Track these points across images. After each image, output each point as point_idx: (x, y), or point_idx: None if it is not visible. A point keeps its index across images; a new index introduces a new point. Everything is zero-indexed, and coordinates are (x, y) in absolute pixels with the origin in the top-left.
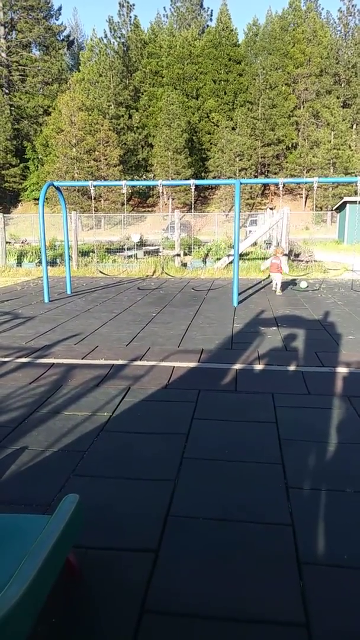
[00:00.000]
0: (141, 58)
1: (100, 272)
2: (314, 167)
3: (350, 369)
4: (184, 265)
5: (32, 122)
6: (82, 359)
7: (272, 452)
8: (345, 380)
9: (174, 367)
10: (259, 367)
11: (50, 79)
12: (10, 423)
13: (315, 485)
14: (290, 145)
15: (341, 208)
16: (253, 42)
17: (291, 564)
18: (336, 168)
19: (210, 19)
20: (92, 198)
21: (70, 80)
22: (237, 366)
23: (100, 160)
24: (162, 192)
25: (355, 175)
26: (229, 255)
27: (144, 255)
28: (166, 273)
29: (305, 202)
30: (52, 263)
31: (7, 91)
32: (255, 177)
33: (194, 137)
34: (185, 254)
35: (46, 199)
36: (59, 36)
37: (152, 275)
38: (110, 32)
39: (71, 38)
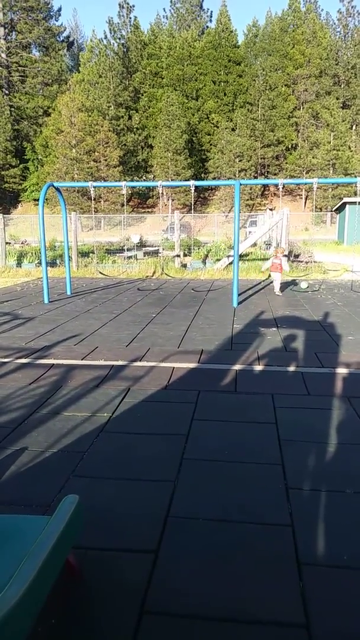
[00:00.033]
0: (141, 59)
1: (100, 272)
2: (314, 168)
3: (350, 370)
4: (184, 266)
5: (31, 122)
6: (82, 359)
7: (272, 453)
8: (345, 381)
9: (173, 367)
10: (258, 367)
11: (50, 80)
12: (10, 424)
13: (315, 486)
14: (290, 146)
15: (341, 209)
16: (253, 43)
17: (291, 564)
18: (336, 169)
19: (210, 20)
20: (92, 199)
21: (70, 81)
22: (237, 367)
23: (100, 161)
24: (162, 193)
25: (355, 176)
26: (228, 256)
27: (144, 256)
28: (166, 274)
29: (305, 203)
30: (52, 264)
31: (7, 92)
32: (255, 178)
33: (193, 138)
34: (185, 255)
35: (46, 199)
36: (59, 37)
37: (152, 276)
38: (110, 33)
39: (71, 39)
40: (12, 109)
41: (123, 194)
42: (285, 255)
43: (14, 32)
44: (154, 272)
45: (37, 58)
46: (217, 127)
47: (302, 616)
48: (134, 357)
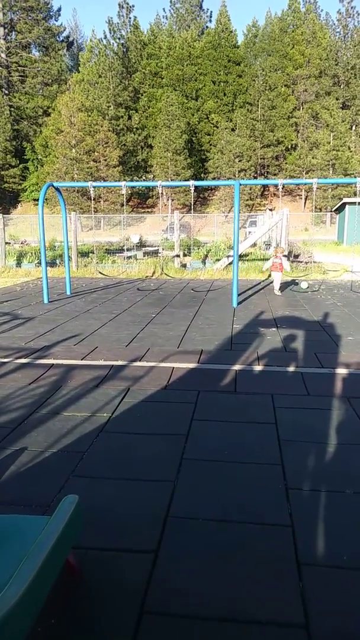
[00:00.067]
0: (141, 59)
1: (100, 272)
2: (314, 168)
3: (350, 370)
4: (184, 266)
5: (31, 122)
6: (82, 359)
7: (272, 453)
8: (345, 381)
9: (173, 367)
10: (258, 368)
11: (50, 80)
12: (10, 424)
13: (315, 486)
14: (289, 147)
15: (340, 209)
16: (252, 44)
17: (291, 564)
18: (335, 169)
19: (210, 20)
20: (92, 199)
21: (70, 81)
22: (237, 367)
23: (99, 161)
24: (162, 193)
25: (355, 177)
26: (228, 256)
27: (144, 256)
28: (165, 274)
29: (305, 203)
30: (52, 264)
31: (6, 92)
32: (255, 178)
33: (193, 138)
34: (184, 255)
35: (46, 199)
36: (59, 37)
37: (152, 276)
38: (110, 33)
39: (71, 39)
40: (12, 109)
41: (123, 194)
42: (285, 256)
43: (13, 32)
44: (154, 272)
45: (36, 58)
46: (217, 127)
47: (302, 616)
48: (134, 357)
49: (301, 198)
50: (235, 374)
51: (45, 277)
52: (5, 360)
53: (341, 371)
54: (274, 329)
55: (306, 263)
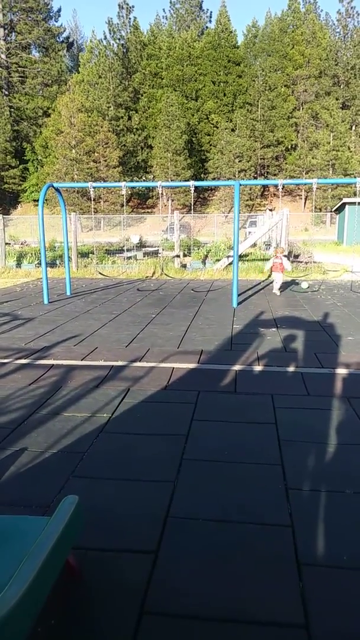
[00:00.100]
0: (140, 59)
1: (100, 273)
2: (313, 168)
3: (350, 370)
4: (184, 266)
5: (31, 123)
6: (82, 360)
7: (272, 453)
8: (345, 381)
9: (173, 368)
10: (258, 368)
11: (50, 81)
12: (10, 424)
13: (315, 486)
14: (289, 147)
15: (340, 209)
16: (252, 44)
17: (291, 565)
18: (335, 169)
19: (210, 21)
20: (92, 199)
21: (70, 81)
22: (237, 367)
23: (99, 162)
24: (162, 194)
25: (355, 177)
26: (228, 257)
27: (144, 256)
28: (165, 274)
29: (305, 203)
30: (52, 264)
31: (6, 92)
32: (255, 178)
33: (193, 139)
34: (184, 255)
35: (46, 200)
36: (59, 38)
37: (152, 276)
38: (110, 33)
39: (71, 40)
40: (12, 109)
41: (123, 195)
42: (285, 256)
43: (13, 33)
44: (154, 273)
45: (36, 59)
46: (217, 127)
47: (302, 616)
48: (134, 357)
49: (301, 198)
50: (235, 374)
51: (45, 278)
52: (5, 360)
53: (341, 371)
54: (274, 329)
55: (306, 263)
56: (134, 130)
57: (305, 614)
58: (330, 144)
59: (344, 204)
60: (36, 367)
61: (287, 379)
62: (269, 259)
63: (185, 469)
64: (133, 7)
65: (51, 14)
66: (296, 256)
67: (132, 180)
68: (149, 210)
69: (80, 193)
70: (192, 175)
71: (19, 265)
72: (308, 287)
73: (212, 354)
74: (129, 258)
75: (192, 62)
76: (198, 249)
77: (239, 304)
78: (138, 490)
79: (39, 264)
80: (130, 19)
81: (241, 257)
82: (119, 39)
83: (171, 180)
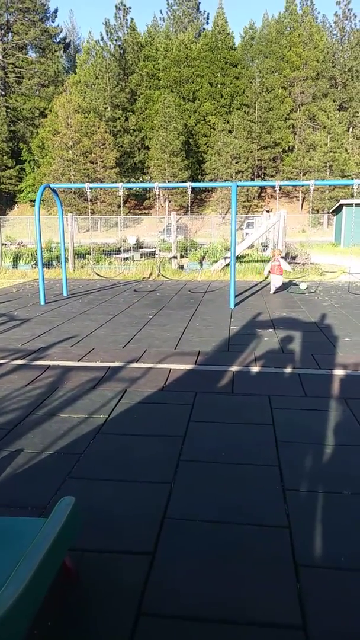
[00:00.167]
0: (137, 61)
1: (97, 274)
2: (311, 170)
3: (347, 371)
4: (181, 267)
5: (28, 124)
6: (78, 361)
7: (269, 454)
8: (342, 382)
9: (170, 369)
10: (255, 369)
11: (47, 81)
12: (6, 425)
13: (312, 487)
14: (286, 148)
15: (337, 211)
16: (249, 46)
17: (288, 566)
18: (332, 171)
19: (207, 22)
20: (89, 200)
21: (67, 82)
22: (234, 368)
23: (96, 163)
24: (159, 195)
25: (352, 178)
26: (225, 258)
27: (141, 257)
28: (163, 275)
29: (302, 204)
30: (48, 265)
31: (3, 93)
32: (252, 179)
33: (190, 140)
34: (181, 256)
35: (42, 201)
36: (55, 38)
37: (149, 277)
38: (107, 34)
39: (67, 40)
40: (9, 110)
41: (120, 196)
42: (283, 257)
43: (10, 33)
44: (151, 274)
45: (33, 59)
46: (214, 128)
47: (299, 617)
48: (131, 358)
49: (298, 200)
50: (232, 375)
51: (42, 279)
52: (2, 361)
53: (338, 372)
54: (271, 330)
55: (303, 264)
56: (131, 131)
57: (303, 615)
58: (327, 146)
59: (341, 206)
60: (33, 368)
61: (285, 380)
62: (268, 260)
63: (182, 470)
64: (130, 8)
65: (48, 15)
66: (293, 257)
67: (129, 181)
68: (146, 212)
69: (77, 194)
70: (189, 177)
71: (15, 265)
72: (307, 287)
73: (209, 355)
74: (126, 259)
75: (189, 63)
76: (195, 250)
77: (236, 305)
78: (135, 491)
79: (36, 264)
80: (127, 20)
81: (238, 259)
82: (116, 40)
83: (168, 182)
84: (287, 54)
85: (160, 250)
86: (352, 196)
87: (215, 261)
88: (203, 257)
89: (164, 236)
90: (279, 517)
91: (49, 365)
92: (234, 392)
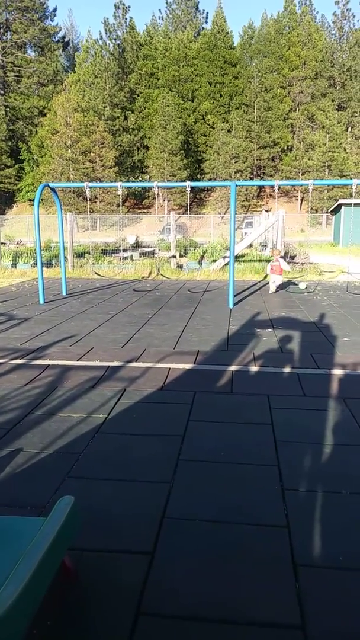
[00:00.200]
0: (137, 60)
1: (96, 273)
2: (309, 169)
3: (346, 371)
4: (180, 267)
5: (27, 123)
6: (78, 360)
7: (268, 454)
8: (341, 382)
9: (169, 368)
10: (254, 368)
11: (46, 80)
12: (5, 425)
13: (311, 486)
14: (285, 148)
15: (336, 210)
16: (248, 45)
17: (287, 565)
18: (331, 171)
19: (206, 22)
20: (88, 199)
21: (66, 81)
22: (233, 368)
23: (95, 162)
24: (158, 194)
25: (350, 178)
26: (224, 257)
27: (140, 256)
28: (162, 275)
29: (301, 204)
30: (48, 264)
31: (2, 92)
32: (251, 179)
33: (189, 139)
34: (181, 256)
35: (41, 200)
36: (54, 37)
37: (148, 277)
38: (106, 33)
39: (66, 39)
40: (8, 109)
41: (119, 195)
42: (282, 257)
43: (9, 32)
44: (150, 273)
45: (32, 58)
46: (213, 128)
47: (298, 617)
48: (130, 357)
49: (297, 199)
50: (231, 374)
51: (41, 278)
52: (1, 361)
53: (337, 372)
54: (270, 329)
55: (302, 264)
56: (130, 130)
57: (302, 615)
58: (326, 145)
59: (339, 205)
60: (32, 368)
61: (283, 380)
62: (268, 260)
63: (181, 469)
64: (129, 7)
65: (47, 14)
66: (292, 257)
67: (128, 181)
68: (145, 211)
69: (76, 193)
70: (188, 176)
71: (14, 265)
72: (306, 287)
73: (208, 354)
74: (125, 258)
75: (188, 62)
76: (194, 250)
77: (235, 304)
78: (134, 490)
79: (35, 263)
80: (126, 19)
81: (237, 258)
82: (115, 39)
83: (167, 181)
84: (286, 54)
85: (159, 250)
86: (351, 196)
87: (214, 260)
88: (202, 257)
89: (163, 235)
90: (278, 516)
91: (48, 365)
92: (233, 392)
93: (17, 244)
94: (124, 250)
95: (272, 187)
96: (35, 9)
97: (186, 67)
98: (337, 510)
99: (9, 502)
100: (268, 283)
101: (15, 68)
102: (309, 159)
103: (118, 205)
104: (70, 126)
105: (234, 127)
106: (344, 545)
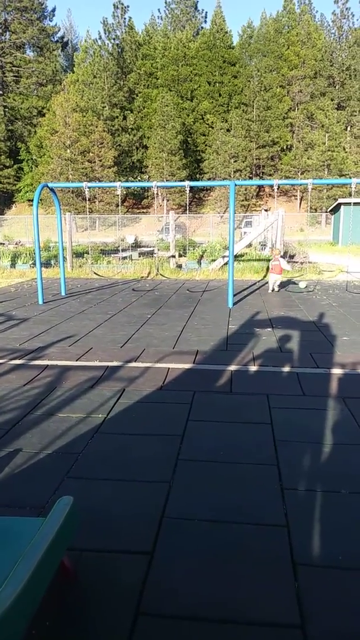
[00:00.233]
0: (135, 59)
1: (95, 273)
2: (309, 168)
3: (345, 370)
4: (179, 266)
5: (26, 123)
6: (77, 360)
7: (267, 454)
8: (340, 381)
9: (169, 368)
10: (253, 368)
11: (45, 80)
12: (4, 425)
13: (310, 486)
14: (284, 147)
15: (335, 210)
16: (247, 44)
17: (286, 565)
18: (330, 170)
19: (205, 21)
20: (87, 199)
21: (65, 81)
22: (232, 367)
23: (94, 162)
24: (157, 194)
25: (350, 177)
26: (224, 257)
27: (139, 256)
28: (161, 274)
29: (300, 203)
30: (47, 264)
31: (1, 92)
32: (250, 178)
33: (188, 139)
34: (180, 256)
35: (40, 200)
36: (53, 37)
37: (147, 276)
38: (105, 33)
39: (65, 39)
40: (6, 109)
41: (118, 195)
42: (281, 256)
43: (7, 32)
44: (149, 273)
45: (31, 58)
46: (212, 127)
47: (298, 617)
48: (129, 357)
49: (296, 198)
50: (230, 374)
51: (40, 278)
52: (0, 361)
53: (336, 371)
54: (269, 329)
55: (301, 263)
56: (129, 130)
57: (301, 614)
58: (325, 145)
59: (339, 205)
60: (31, 368)
61: (283, 379)
62: (268, 260)
63: (180, 469)
64: (128, 7)
65: (45, 14)
66: (292, 256)
67: (127, 180)
68: (144, 211)
69: (75, 193)
70: (187, 176)
71: (13, 265)
72: (306, 286)
73: (207, 354)
74: (124, 258)
75: (187, 62)
76: (193, 249)
77: (234, 304)
78: (133, 490)
79: (34, 264)
80: (125, 18)
81: (237, 258)
82: (114, 39)
83: (166, 181)
84: (285, 53)
85: (158, 250)
86: (350, 195)
87: (213, 260)
88: (201, 256)
89: (163, 235)
90: (277, 516)
91: (47, 365)
92: (232, 392)
93: (16, 244)
94: (123, 250)
95: (271, 186)
96: (34, 9)
97: (185, 67)
98: (336, 510)
99: (8, 503)
100: (267, 282)
101: (14, 68)
102: (308, 158)
103: (117, 205)
104: (69, 126)
105: (233, 127)
106: (343, 544)
